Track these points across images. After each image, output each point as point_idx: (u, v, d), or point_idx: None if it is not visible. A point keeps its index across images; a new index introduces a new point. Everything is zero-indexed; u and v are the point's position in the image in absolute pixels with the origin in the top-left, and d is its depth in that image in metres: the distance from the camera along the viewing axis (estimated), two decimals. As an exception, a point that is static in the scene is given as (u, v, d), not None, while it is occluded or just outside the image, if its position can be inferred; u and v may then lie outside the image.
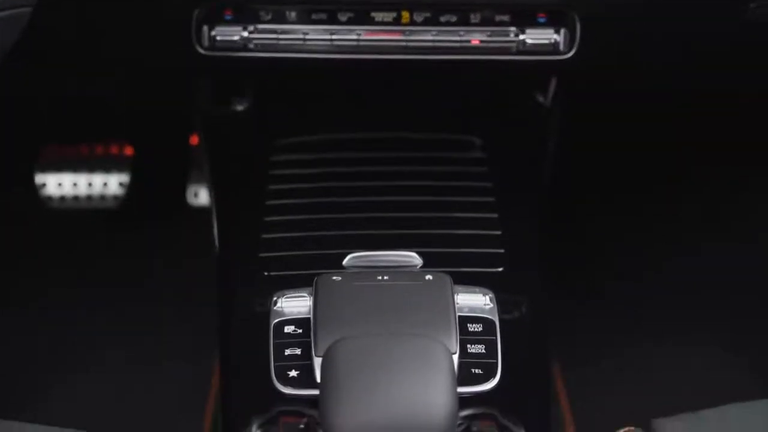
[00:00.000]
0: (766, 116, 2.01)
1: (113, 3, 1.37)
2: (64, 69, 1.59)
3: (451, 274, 1.14)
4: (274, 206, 1.54)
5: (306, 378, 1.06)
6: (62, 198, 2.25)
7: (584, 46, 1.39)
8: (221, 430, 1.42)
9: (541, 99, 1.70)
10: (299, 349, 1.08)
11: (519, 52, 1.40)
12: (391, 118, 1.70)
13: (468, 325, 1.10)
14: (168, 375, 1.87)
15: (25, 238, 2.17)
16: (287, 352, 1.08)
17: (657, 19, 1.39)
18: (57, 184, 2.25)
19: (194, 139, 2.25)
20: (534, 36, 1.39)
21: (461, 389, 1.03)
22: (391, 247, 1.21)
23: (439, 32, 1.39)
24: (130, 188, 2.25)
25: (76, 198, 2.25)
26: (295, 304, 1.12)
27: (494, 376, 1.07)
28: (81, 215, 2.25)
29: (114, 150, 2.29)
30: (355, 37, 1.39)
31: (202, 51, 1.40)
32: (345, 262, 1.19)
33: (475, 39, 1.39)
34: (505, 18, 1.38)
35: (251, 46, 1.40)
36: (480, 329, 1.10)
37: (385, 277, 1.13)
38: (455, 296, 1.11)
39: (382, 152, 1.63)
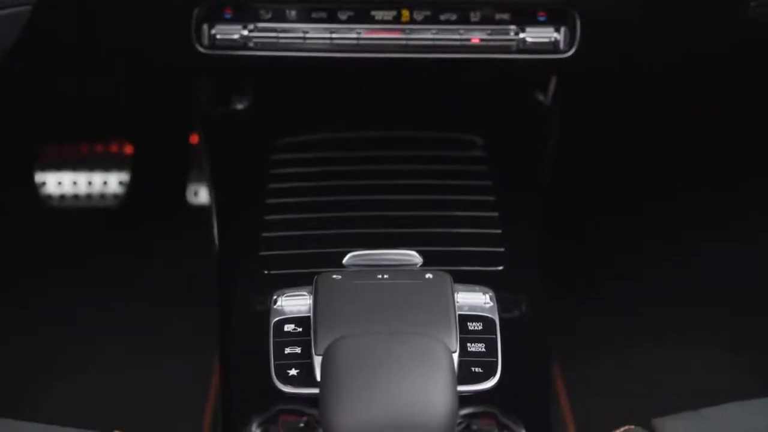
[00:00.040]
0: (766, 116, 2.01)
1: (113, 2, 1.37)
2: (64, 68, 1.59)
3: (451, 272, 1.14)
4: (274, 205, 1.54)
5: (306, 376, 1.06)
6: (62, 197, 2.25)
7: (584, 44, 1.39)
8: (221, 429, 1.42)
9: (541, 98, 1.70)
10: (299, 348, 1.08)
11: (519, 51, 1.40)
12: (391, 117, 1.70)
13: (468, 323, 1.10)
14: (168, 373, 1.87)
15: (25, 236, 2.17)
16: (287, 350, 1.08)
17: (657, 17, 1.39)
18: (57, 182, 2.25)
19: (194, 138, 2.25)
20: (534, 34, 1.39)
21: (461, 388, 1.02)
22: (391, 245, 1.21)
23: (439, 31, 1.39)
24: (130, 187, 2.25)
25: (75, 197, 2.25)
26: (295, 303, 1.12)
27: (494, 374, 1.07)
28: (81, 214, 2.25)
29: (114, 149, 2.29)
30: (355, 35, 1.39)
31: (202, 50, 1.40)
32: (345, 260, 1.19)
33: (475, 37, 1.39)
34: (505, 16, 1.38)
35: (251, 44, 1.40)
36: (480, 328, 1.10)
37: (385, 276, 1.12)
38: (455, 295, 1.11)
39: (382, 151, 1.63)
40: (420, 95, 1.71)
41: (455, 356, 1.05)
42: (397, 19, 1.38)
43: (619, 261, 2.09)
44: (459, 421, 1.17)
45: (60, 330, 1.96)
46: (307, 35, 1.39)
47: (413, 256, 1.18)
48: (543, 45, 1.39)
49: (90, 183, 2.26)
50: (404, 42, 1.39)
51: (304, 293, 1.12)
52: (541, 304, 1.50)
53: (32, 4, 1.28)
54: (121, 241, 2.17)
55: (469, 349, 1.08)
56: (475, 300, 1.12)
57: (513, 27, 1.39)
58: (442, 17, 1.38)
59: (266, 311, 1.13)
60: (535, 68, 1.47)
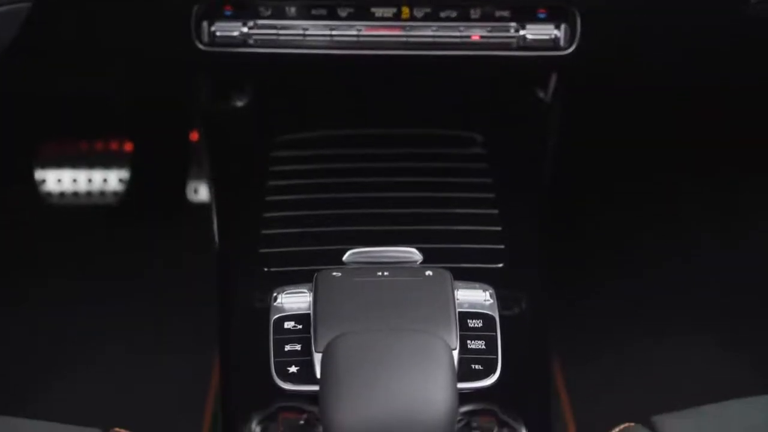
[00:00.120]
0: (767, 114, 2.00)
1: (113, 0, 1.37)
2: (64, 65, 1.59)
3: (451, 269, 1.14)
4: (274, 202, 1.54)
5: (306, 374, 1.06)
6: (62, 194, 2.25)
7: (584, 41, 1.39)
8: (221, 426, 1.42)
9: (541, 95, 1.70)
10: (299, 345, 1.08)
11: (519, 48, 1.40)
12: (391, 114, 1.70)
13: (468, 320, 1.10)
14: (168, 370, 1.87)
15: (24, 234, 2.17)
16: (287, 347, 1.08)
17: (658, 14, 1.39)
18: (57, 180, 2.25)
19: (194, 135, 2.25)
20: (534, 31, 1.39)
21: (461, 385, 1.02)
22: (391, 242, 1.21)
23: (439, 28, 1.38)
24: (130, 184, 2.25)
25: (75, 194, 2.25)
26: (295, 300, 1.12)
27: (494, 371, 1.07)
28: (81, 211, 2.25)
29: (114, 146, 2.29)
30: (355, 32, 1.39)
31: (201, 47, 1.40)
32: (345, 257, 1.19)
33: (476, 35, 1.39)
34: (505, 13, 1.38)
35: (251, 41, 1.40)
36: (480, 325, 1.10)
37: (385, 273, 1.12)
38: (455, 292, 1.11)
39: (382, 148, 1.63)
40: (420, 92, 1.71)
41: (455, 353, 1.05)
42: (397, 16, 1.38)
43: (619, 259, 2.09)
44: (459, 418, 1.18)
45: (60, 327, 1.96)
46: (307, 32, 1.39)
47: (413, 254, 1.18)
48: (543, 42, 1.39)
49: (90, 180, 2.26)
50: (404, 39, 1.39)
51: (304, 290, 1.12)
52: (541, 301, 1.50)
53: (31, 1, 1.27)
54: (121, 238, 2.17)
55: (469, 346, 1.08)
56: (475, 297, 1.12)
57: (513, 24, 1.39)
58: (442, 14, 1.38)
59: (266, 308, 1.13)
60: (535, 65, 1.47)
